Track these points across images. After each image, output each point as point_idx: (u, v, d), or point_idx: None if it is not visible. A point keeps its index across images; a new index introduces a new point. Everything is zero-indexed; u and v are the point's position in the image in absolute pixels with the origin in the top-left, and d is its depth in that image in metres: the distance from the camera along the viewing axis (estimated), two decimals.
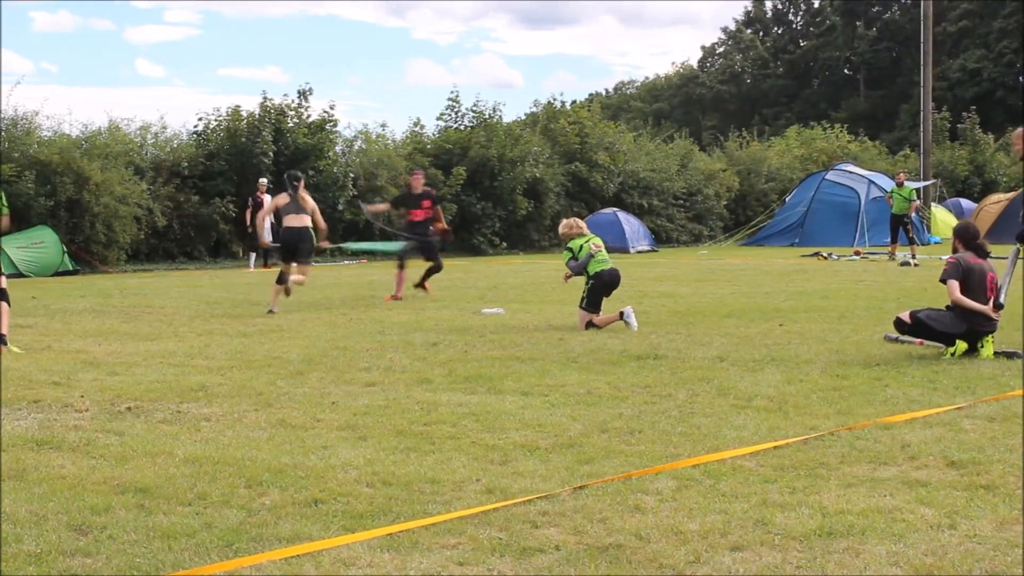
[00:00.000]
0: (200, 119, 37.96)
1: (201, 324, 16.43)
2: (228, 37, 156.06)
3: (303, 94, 39.29)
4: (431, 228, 20.95)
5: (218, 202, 35.61)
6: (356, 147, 41.47)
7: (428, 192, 21.37)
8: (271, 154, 36.87)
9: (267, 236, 33.28)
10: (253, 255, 33.80)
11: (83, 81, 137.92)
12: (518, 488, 6.73)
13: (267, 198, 33.36)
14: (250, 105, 39.25)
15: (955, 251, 12.54)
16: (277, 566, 5.42)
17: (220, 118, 37.83)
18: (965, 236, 12.54)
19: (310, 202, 18.54)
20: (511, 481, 6.91)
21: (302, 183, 18.72)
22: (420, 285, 21.03)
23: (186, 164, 36.14)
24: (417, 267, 20.86)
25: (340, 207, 38.01)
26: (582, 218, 16.96)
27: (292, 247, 18.49)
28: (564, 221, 16.38)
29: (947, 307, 12.23)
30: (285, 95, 39.31)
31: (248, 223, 33.57)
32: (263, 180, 33.96)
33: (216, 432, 8.51)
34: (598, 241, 15.95)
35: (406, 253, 21.01)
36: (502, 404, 9.52)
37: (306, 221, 18.36)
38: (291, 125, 38.45)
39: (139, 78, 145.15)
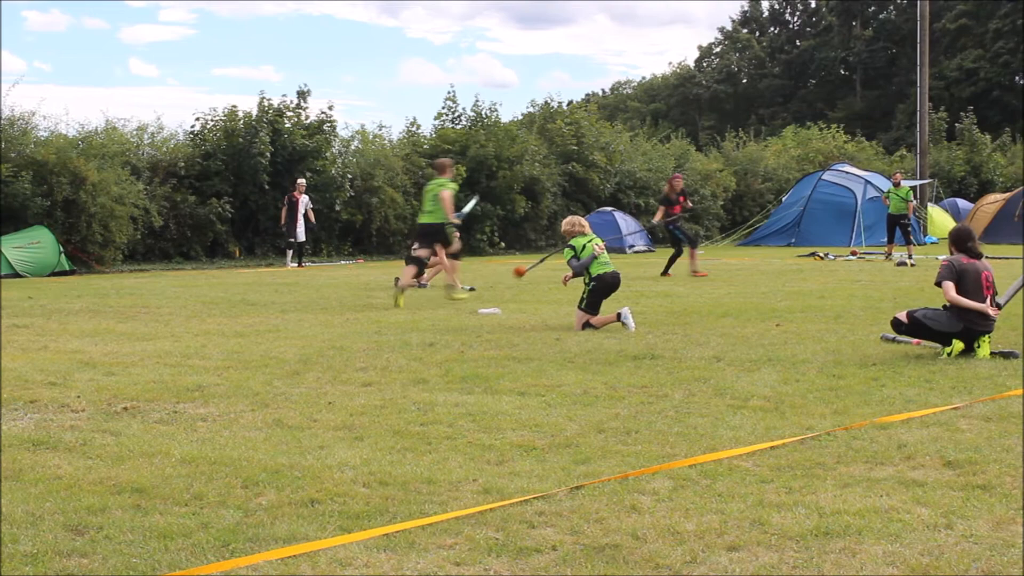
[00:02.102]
0: (197, 119, 37.98)
1: (197, 324, 16.42)
2: (222, 36, 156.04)
3: (302, 94, 39.29)
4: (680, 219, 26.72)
5: (215, 202, 35.58)
6: (353, 147, 41.44)
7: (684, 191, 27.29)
8: (268, 154, 36.85)
9: (301, 235, 33.75)
10: (290, 252, 34.00)
11: (76, 80, 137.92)
12: (514, 488, 6.73)
13: (303, 198, 33.66)
14: (245, 104, 39.35)
15: (950, 254, 12.56)
16: (273, 566, 5.42)
17: (217, 118, 37.82)
18: (958, 239, 12.57)
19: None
20: (507, 481, 6.91)
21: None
22: (665, 272, 26.19)
23: (183, 164, 36.11)
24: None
25: (337, 207, 38.02)
26: (582, 217, 16.93)
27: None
28: (567, 218, 16.27)
29: (944, 307, 12.25)
30: (284, 95, 39.32)
31: (283, 222, 33.88)
32: (301, 180, 34.19)
33: (212, 432, 8.51)
34: (600, 242, 15.89)
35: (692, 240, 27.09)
36: (499, 404, 9.52)
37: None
38: (289, 126, 38.43)
39: (132, 78, 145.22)
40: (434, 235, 20.38)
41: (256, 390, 10.40)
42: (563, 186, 45.60)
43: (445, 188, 20.24)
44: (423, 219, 20.63)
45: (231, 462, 7.44)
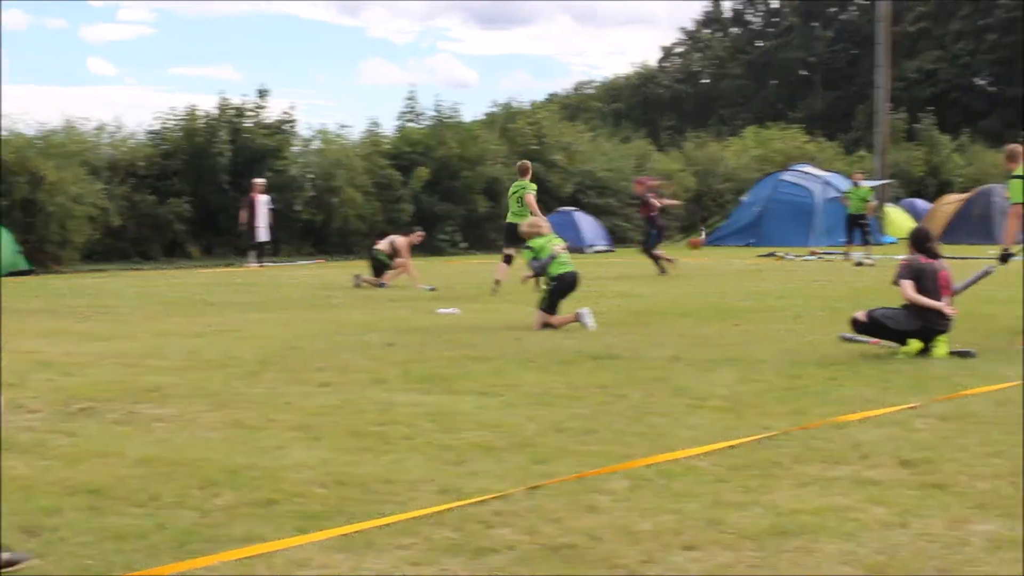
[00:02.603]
0: (156, 118, 37.87)
1: (156, 324, 16.36)
2: (182, 35, 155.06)
3: (261, 94, 39.20)
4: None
5: (175, 202, 35.45)
6: (313, 147, 41.35)
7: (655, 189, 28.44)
8: (228, 154, 36.73)
9: (263, 235, 33.72)
10: (253, 252, 33.94)
11: (34, 79, 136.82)
12: (473, 488, 6.73)
13: (262, 198, 33.61)
14: (205, 104, 39.21)
15: (909, 254, 12.63)
16: (230, 567, 5.40)
17: (177, 117, 37.70)
18: (917, 240, 12.65)
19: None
20: (466, 481, 6.91)
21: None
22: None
23: (142, 163, 36.00)
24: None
25: (298, 207, 37.93)
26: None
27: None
28: (528, 220, 16.31)
29: (902, 306, 12.31)
30: (244, 95, 39.22)
31: (244, 222, 33.80)
32: (260, 180, 34.12)
33: (170, 433, 8.49)
34: (560, 242, 15.94)
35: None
36: (458, 404, 9.52)
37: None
38: (249, 125, 38.33)
39: (91, 76, 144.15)
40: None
41: (214, 390, 10.37)
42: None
43: (527, 191, 21.60)
44: (511, 219, 21.75)
45: (188, 462, 7.41)
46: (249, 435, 8.33)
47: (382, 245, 24.16)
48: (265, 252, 34.23)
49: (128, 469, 7.30)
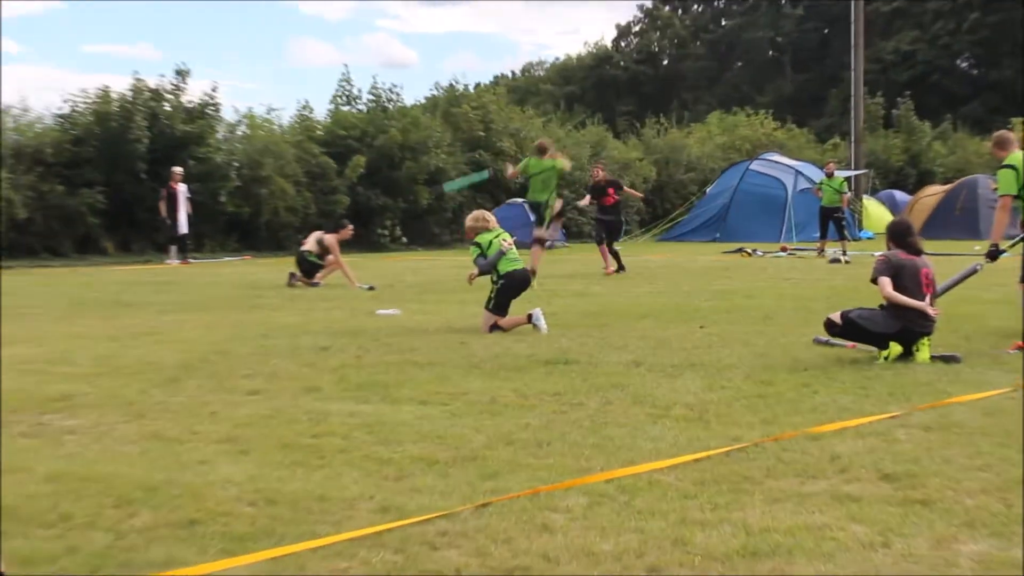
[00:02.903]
0: (66, 101, 37.61)
1: (65, 327, 16.23)
2: (94, 10, 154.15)
3: (181, 74, 38.97)
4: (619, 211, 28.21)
5: (86, 192, 35.17)
6: (239, 133, 41.18)
7: (613, 181, 28.52)
8: (146, 141, 36.50)
9: (183, 227, 33.62)
10: (173, 248, 33.77)
11: None
12: (415, 506, 6.69)
13: (182, 187, 33.49)
14: (119, 85, 38.95)
15: (888, 249, 12.66)
16: None
17: (88, 100, 37.43)
18: (896, 233, 12.67)
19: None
20: (407, 498, 6.87)
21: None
22: (620, 267, 26.60)
23: (50, 150, 35.70)
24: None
25: (222, 199, 37.75)
26: (488, 211, 17.00)
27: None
28: (472, 214, 16.29)
29: (880, 306, 12.34)
30: (161, 76, 39.00)
31: (164, 215, 33.65)
32: (178, 169, 33.97)
33: (81, 446, 8.40)
34: (508, 237, 15.92)
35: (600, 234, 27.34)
36: (398, 414, 9.48)
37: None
38: (168, 109, 38.12)
39: None
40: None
41: (130, 399, 10.29)
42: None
43: (559, 169, 23.82)
44: (535, 198, 23.89)
45: (102, 479, 7.34)
46: (169, 448, 8.26)
47: (309, 245, 24.06)
48: (187, 247, 34.15)
49: (36, 486, 7.21)
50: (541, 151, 23.75)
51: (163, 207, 33.70)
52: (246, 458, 7.95)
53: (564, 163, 24.24)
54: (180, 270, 30.33)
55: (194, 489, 7.09)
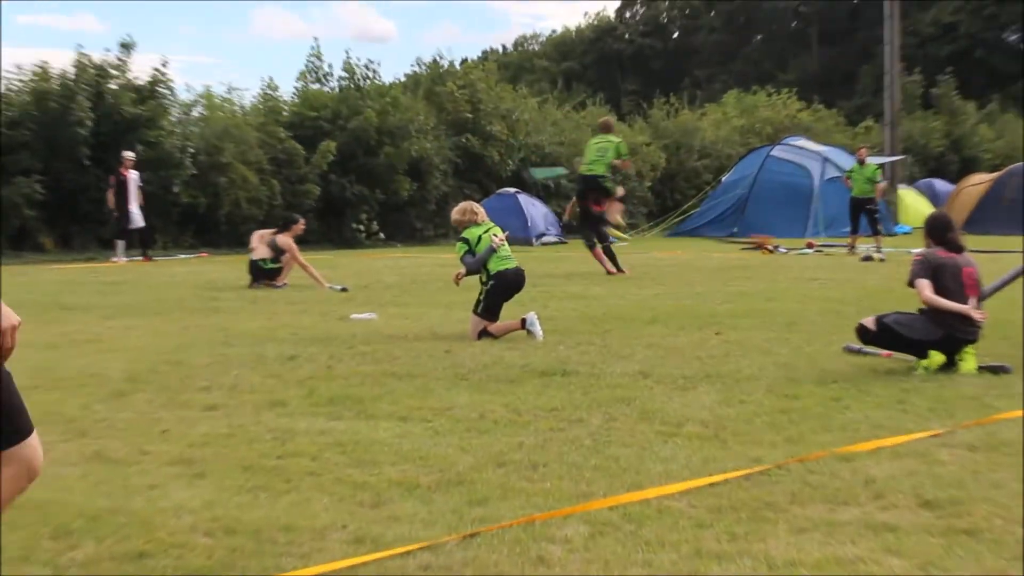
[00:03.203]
0: None
1: None
2: None
3: (127, 48, 38.91)
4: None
5: (22, 181, 35.09)
6: (195, 114, 41.14)
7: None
8: (89, 123, 36.45)
9: (139, 219, 33.65)
10: (121, 243, 33.80)
11: None
12: (393, 536, 6.68)
13: (133, 175, 33.50)
14: (61, 61, 38.89)
15: (926, 247, 12.63)
16: None
17: (24, 78, 37.40)
18: (934, 228, 12.65)
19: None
20: (385, 528, 6.86)
21: None
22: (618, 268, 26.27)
23: None
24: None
25: (176, 189, 37.72)
26: (477, 203, 16.96)
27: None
28: (459, 205, 16.27)
29: (919, 310, 12.32)
30: (106, 50, 38.95)
31: (111, 205, 33.65)
32: (129, 154, 33.98)
33: None
34: (500, 232, 15.91)
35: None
36: (374, 432, 9.47)
37: None
38: (114, 88, 38.08)
39: None
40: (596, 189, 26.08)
41: (71, 415, 10.27)
42: (455, 163, 45.58)
43: (614, 147, 26.27)
44: (588, 171, 26.32)
45: (38, 506, 7.31)
46: (115, 471, 8.25)
47: (260, 252, 23.81)
48: (151, 241, 34.32)
49: None
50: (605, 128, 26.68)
51: (111, 197, 33.68)
52: (202, 482, 7.93)
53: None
54: (128, 269, 30.30)
55: (143, 517, 7.08)
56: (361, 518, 7.07)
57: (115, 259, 33.47)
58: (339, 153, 41.21)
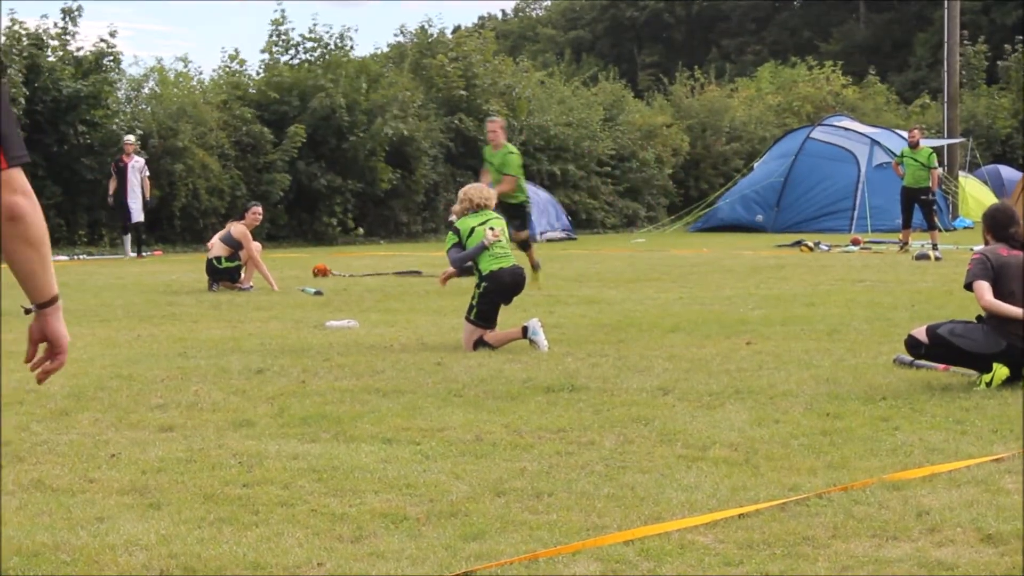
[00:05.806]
0: None
1: None
2: None
3: (69, 15, 38.86)
4: None
5: None
6: (146, 91, 41.11)
7: None
8: (23, 101, 36.46)
9: (137, 213, 33.78)
10: (127, 237, 33.98)
11: None
12: (377, 575, 6.72)
13: (136, 162, 33.60)
14: None
15: (985, 244, 12.61)
16: None
17: None
18: (994, 223, 12.56)
19: None
20: (368, 565, 6.90)
21: None
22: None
23: None
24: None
25: None
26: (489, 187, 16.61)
27: None
28: (467, 187, 15.86)
29: (978, 318, 12.30)
30: (44, 17, 38.92)
31: (111, 196, 33.76)
32: (130, 137, 34.09)
33: None
34: (499, 224, 15.74)
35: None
36: (355, 456, 9.50)
37: None
38: (52, 60, 38.06)
39: None
40: None
41: (6, 438, 10.26)
42: (446, 147, 45.46)
43: None
44: None
45: None
46: (57, 501, 8.27)
47: (217, 249, 23.65)
48: (143, 240, 34.63)
49: None
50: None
51: (112, 187, 33.82)
52: (157, 513, 7.96)
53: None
54: (68, 269, 30.31)
55: (89, 553, 7.11)
56: (340, 554, 7.11)
57: (128, 254, 33.90)
58: (308, 136, 41.02)
